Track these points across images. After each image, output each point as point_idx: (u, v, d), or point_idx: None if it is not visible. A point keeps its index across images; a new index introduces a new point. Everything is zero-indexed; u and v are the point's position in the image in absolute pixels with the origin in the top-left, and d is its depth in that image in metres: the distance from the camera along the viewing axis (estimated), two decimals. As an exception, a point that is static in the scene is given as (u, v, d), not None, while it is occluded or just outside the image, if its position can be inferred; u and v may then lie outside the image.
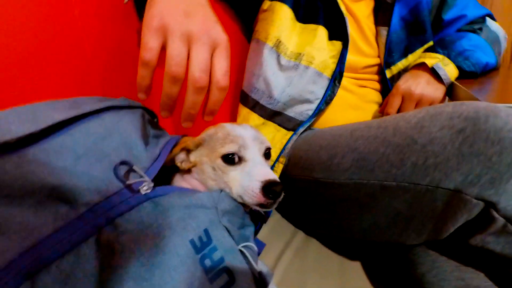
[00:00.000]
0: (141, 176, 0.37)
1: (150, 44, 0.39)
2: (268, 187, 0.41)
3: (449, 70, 0.71)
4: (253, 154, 0.46)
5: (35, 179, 0.31)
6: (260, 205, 0.42)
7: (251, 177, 0.43)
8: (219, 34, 0.41)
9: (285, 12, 0.74)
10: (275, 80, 0.74)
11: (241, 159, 0.45)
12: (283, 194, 0.43)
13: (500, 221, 0.40)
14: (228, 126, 0.48)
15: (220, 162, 0.44)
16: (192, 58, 0.39)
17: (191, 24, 0.39)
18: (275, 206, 0.44)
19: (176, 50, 0.38)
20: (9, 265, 0.28)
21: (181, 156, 0.47)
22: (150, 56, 0.39)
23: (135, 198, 0.35)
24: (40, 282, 0.28)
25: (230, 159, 0.44)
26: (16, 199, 0.30)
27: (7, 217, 0.29)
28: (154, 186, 0.37)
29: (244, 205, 0.45)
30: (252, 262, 0.38)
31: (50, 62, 0.47)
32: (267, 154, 0.49)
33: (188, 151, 0.47)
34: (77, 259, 0.30)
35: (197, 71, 0.39)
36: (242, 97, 0.82)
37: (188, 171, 0.47)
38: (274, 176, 0.43)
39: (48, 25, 0.46)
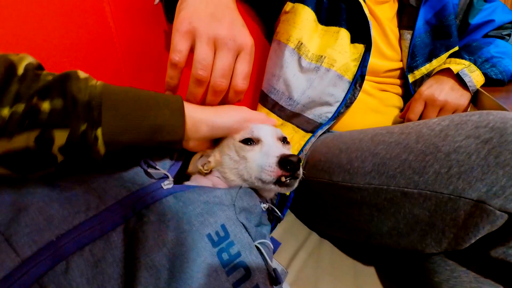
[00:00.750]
0: (164, 174, 0.40)
1: (179, 46, 0.41)
2: (284, 160, 0.42)
3: (475, 77, 0.70)
4: (267, 137, 0.47)
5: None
6: (279, 182, 0.43)
7: (268, 155, 0.44)
8: (245, 39, 0.44)
9: (307, 14, 0.74)
10: (296, 81, 0.74)
11: (256, 141, 0.47)
12: (302, 170, 0.44)
13: None
14: None
15: (238, 144, 0.46)
16: (216, 63, 0.42)
17: (219, 29, 0.42)
18: (296, 184, 0.44)
19: (203, 54, 0.41)
20: (48, 246, 0.31)
21: (202, 159, 0.49)
22: (179, 58, 0.42)
23: (159, 192, 0.38)
24: (73, 264, 0.31)
25: (247, 141, 0.46)
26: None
27: (44, 206, 0.32)
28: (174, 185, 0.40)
29: (262, 196, 0.46)
30: (268, 259, 0.39)
31: (82, 62, 0.50)
32: (284, 140, 0.51)
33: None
34: (107, 245, 0.33)
35: (219, 76, 0.42)
36: (262, 98, 0.83)
37: (210, 171, 0.49)
38: (290, 153, 0.44)
39: (80, 26, 0.48)
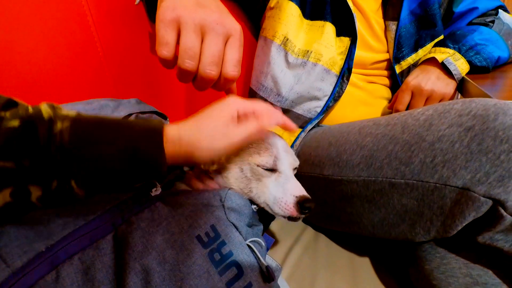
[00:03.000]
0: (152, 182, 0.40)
1: (166, 38, 0.38)
2: (302, 203, 0.43)
3: (460, 65, 0.70)
4: (285, 167, 0.47)
5: None
6: (289, 217, 0.44)
7: (285, 190, 0.44)
8: (233, 24, 0.40)
9: (292, 9, 0.74)
10: (283, 77, 0.74)
11: (274, 170, 0.46)
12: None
13: (508, 219, 0.40)
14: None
15: (255, 166, 0.45)
16: (204, 50, 0.38)
17: (205, 14, 0.38)
18: (300, 220, 0.46)
19: (189, 43, 0.38)
20: (38, 256, 0.31)
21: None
22: (167, 52, 0.38)
23: (147, 200, 0.38)
24: (64, 272, 0.31)
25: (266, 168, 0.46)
26: None
27: (33, 218, 0.32)
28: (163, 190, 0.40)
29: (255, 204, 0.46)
30: (260, 257, 0.39)
31: (63, 64, 0.49)
32: (295, 169, 0.51)
33: None
34: (96, 253, 0.33)
35: (208, 63, 0.38)
36: (250, 95, 0.83)
37: (206, 173, 0.48)
38: (306, 193, 0.45)
39: (61, 26, 0.48)
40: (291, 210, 0.44)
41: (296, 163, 0.51)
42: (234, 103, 0.39)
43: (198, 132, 0.36)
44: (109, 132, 0.33)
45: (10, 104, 0.31)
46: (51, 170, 0.30)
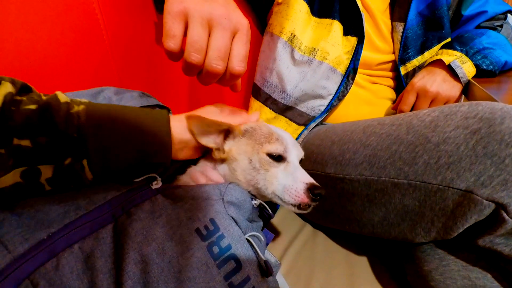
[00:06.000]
0: (153, 175, 0.41)
1: (173, 31, 0.38)
2: (312, 189, 0.44)
3: (467, 68, 0.70)
4: (293, 157, 0.48)
5: None
6: (298, 206, 0.44)
7: (295, 178, 0.45)
8: (240, 19, 0.40)
9: (300, 6, 0.74)
10: (288, 74, 0.74)
11: (283, 159, 0.47)
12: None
13: (510, 223, 0.40)
14: (268, 125, 0.51)
15: (265, 156, 0.45)
16: (211, 44, 0.38)
17: (212, 8, 0.38)
18: (309, 210, 0.46)
19: (196, 36, 0.38)
20: (39, 244, 0.31)
21: (218, 140, 0.46)
22: (173, 44, 0.39)
23: (147, 192, 0.39)
24: (64, 260, 0.31)
25: (275, 156, 0.46)
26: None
27: (35, 207, 0.33)
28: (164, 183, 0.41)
29: (256, 198, 0.46)
30: (259, 251, 0.39)
31: (68, 52, 0.49)
32: (301, 160, 0.52)
33: (226, 135, 0.47)
34: (96, 242, 0.34)
35: (214, 58, 0.39)
36: (255, 91, 0.82)
37: (209, 164, 0.48)
38: (315, 181, 0.45)
39: (67, 15, 0.48)
40: (302, 197, 0.44)
41: (301, 154, 0.52)
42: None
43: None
44: (120, 121, 0.35)
45: (26, 89, 0.33)
46: (66, 148, 0.31)
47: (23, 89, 0.33)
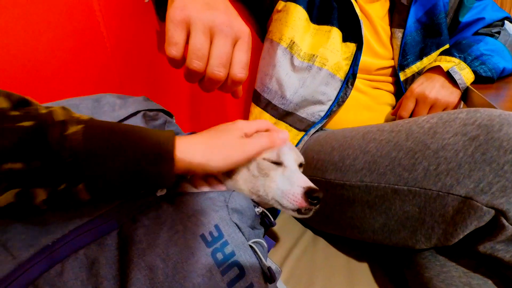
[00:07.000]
0: None
1: (175, 38, 0.38)
2: (310, 193, 0.43)
3: (465, 75, 0.70)
4: (290, 161, 0.47)
5: None
6: (298, 210, 0.44)
7: (292, 182, 0.44)
8: (242, 27, 0.41)
9: (299, 13, 0.75)
10: (288, 80, 0.75)
11: (280, 164, 0.46)
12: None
13: (510, 229, 0.40)
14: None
15: (263, 162, 0.45)
16: (212, 51, 0.39)
17: (214, 16, 0.39)
18: (311, 213, 0.45)
19: (198, 44, 0.38)
20: (43, 250, 0.31)
21: None
22: (176, 51, 0.39)
23: (152, 199, 0.39)
24: (68, 266, 0.31)
25: (273, 161, 0.46)
26: None
27: (39, 213, 0.33)
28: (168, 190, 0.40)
29: (258, 205, 0.46)
30: (262, 258, 0.39)
31: (70, 58, 0.49)
32: (301, 165, 0.51)
33: None
34: (101, 248, 0.33)
35: (216, 65, 0.39)
36: (255, 97, 0.83)
37: (215, 177, 0.48)
38: (313, 184, 0.45)
39: (69, 21, 0.48)
40: (300, 201, 0.43)
41: (301, 158, 0.51)
42: (240, 125, 0.42)
43: (212, 144, 0.38)
44: (121, 146, 0.32)
45: (22, 103, 0.31)
46: (61, 173, 0.29)
47: (20, 103, 0.31)
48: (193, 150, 0.37)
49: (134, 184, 0.34)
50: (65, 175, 0.30)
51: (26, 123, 0.28)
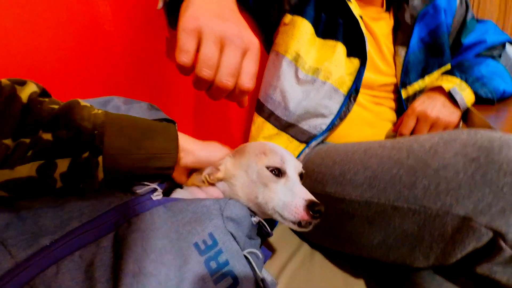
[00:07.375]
0: (154, 187, 0.42)
1: (186, 46, 0.39)
2: (312, 206, 0.43)
3: (466, 95, 0.72)
4: (291, 170, 0.47)
5: None
6: (299, 223, 0.44)
7: (294, 194, 0.44)
8: (251, 38, 0.42)
9: (305, 27, 0.76)
10: (292, 92, 0.75)
11: (282, 173, 0.46)
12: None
13: (508, 251, 0.40)
14: (262, 142, 0.51)
15: (265, 171, 0.45)
16: (222, 61, 0.40)
17: (226, 27, 0.40)
18: (311, 227, 0.45)
19: (209, 53, 0.39)
20: (41, 250, 0.32)
21: (208, 170, 0.48)
22: (186, 59, 0.39)
23: (150, 202, 0.39)
24: (64, 267, 0.32)
25: (275, 171, 0.46)
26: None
27: (39, 213, 0.33)
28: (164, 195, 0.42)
29: (255, 215, 0.46)
30: (256, 269, 0.39)
31: (80, 61, 0.50)
32: (301, 175, 0.51)
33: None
34: (96, 250, 0.34)
35: (225, 74, 0.40)
36: (258, 107, 0.84)
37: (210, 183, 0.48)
38: (314, 197, 0.45)
39: (80, 27, 0.49)
40: (302, 213, 0.43)
41: (300, 167, 0.51)
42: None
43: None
44: (136, 123, 0.40)
45: (46, 94, 0.37)
46: (85, 143, 0.34)
47: (44, 93, 0.36)
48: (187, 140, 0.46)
49: (143, 158, 0.39)
50: (88, 144, 0.34)
51: (55, 106, 0.34)
